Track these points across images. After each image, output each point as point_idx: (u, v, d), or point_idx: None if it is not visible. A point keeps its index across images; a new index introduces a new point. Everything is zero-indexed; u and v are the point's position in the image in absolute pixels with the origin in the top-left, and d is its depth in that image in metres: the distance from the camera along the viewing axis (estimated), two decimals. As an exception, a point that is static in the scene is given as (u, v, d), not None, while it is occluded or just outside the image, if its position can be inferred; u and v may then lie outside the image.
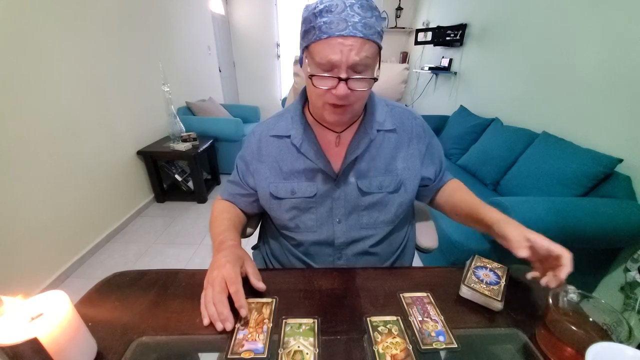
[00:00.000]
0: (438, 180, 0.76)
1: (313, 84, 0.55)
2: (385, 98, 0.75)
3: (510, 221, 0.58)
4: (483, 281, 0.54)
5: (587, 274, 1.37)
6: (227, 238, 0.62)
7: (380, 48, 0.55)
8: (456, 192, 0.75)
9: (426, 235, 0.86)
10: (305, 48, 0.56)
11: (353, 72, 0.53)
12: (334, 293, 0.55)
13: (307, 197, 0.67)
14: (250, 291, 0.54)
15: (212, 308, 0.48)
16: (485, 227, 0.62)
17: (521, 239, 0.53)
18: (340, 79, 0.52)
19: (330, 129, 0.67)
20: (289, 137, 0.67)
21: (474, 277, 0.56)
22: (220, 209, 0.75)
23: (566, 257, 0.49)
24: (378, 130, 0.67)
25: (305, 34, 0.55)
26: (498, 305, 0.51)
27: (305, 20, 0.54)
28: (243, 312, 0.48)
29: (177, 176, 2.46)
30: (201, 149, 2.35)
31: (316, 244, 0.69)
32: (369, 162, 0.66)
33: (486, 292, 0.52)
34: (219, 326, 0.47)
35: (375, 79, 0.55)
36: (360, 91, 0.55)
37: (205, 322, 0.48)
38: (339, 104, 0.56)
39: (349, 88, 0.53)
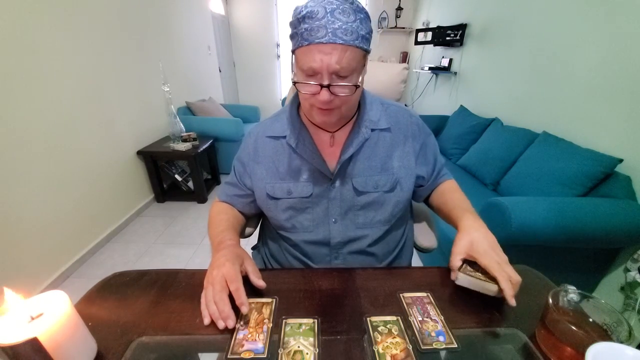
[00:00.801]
0: (432, 181, 0.76)
1: (298, 90, 0.56)
2: (381, 97, 0.75)
3: (468, 232, 0.58)
4: (479, 270, 0.55)
5: (587, 274, 1.37)
6: (225, 238, 0.62)
7: (366, 51, 0.55)
8: (447, 193, 0.75)
9: (426, 235, 0.86)
10: (292, 52, 0.57)
11: (336, 78, 0.53)
12: (333, 293, 0.55)
13: (303, 197, 0.67)
14: (251, 291, 0.54)
15: (213, 306, 0.48)
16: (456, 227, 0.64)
17: (459, 251, 0.56)
18: (322, 86, 0.53)
19: (324, 129, 0.67)
20: (284, 137, 0.67)
21: (469, 268, 0.56)
22: (217, 210, 0.75)
23: (501, 282, 0.49)
24: (373, 130, 0.67)
25: (291, 38, 0.56)
26: (493, 289, 0.51)
27: (291, 25, 0.55)
28: (244, 310, 0.48)
29: (177, 176, 2.46)
30: (201, 149, 2.35)
31: (312, 244, 0.69)
32: (364, 161, 0.67)
33: (482, 277, 0.52)
34: (221, 324, 0.47)
35: (357, 86, 0.55)
36: (345, 96, 0.55)
37: (206, 321, 0.48)
38: (324, 108, 0.56)
39: (332, 93, 0.54)
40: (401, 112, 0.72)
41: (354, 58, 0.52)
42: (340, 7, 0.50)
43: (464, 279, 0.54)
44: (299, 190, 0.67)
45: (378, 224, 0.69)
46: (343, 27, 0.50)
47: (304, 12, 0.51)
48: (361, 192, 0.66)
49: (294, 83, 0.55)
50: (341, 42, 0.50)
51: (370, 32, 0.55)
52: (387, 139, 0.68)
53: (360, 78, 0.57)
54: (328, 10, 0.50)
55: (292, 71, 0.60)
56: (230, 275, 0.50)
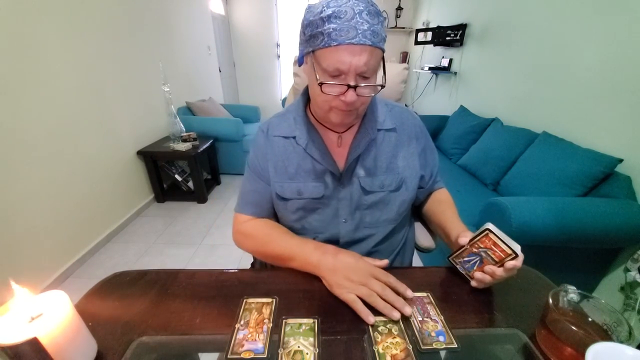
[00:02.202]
0: (431, 184, 0.77)
1: (322, 91, 0.55)
2: (385, 98, 0.76)
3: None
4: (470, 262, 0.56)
5: (587, 274, 1.37)
6: (317, 243, 0.62)
7: (383, 52, 0.56)
8: (443, 203, 0.75)
9: (425, 235, 0.87)
10: (310, 52, 0.55)
11: (361, 79, 0.54)
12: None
13: (314, 198, 0.67)
14: (252, 290, 0.55)
15: (382, 301, 0.50)
16: (448, 238, 0.65)
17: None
18: (349, 86, 0.53)
19: (331, 130, 0.67)
20: (294, 137, 0.67)
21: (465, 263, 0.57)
22: (258, 228, 0.69)
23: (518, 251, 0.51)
24: (379, 130, 0.67)
25: (311, 38, 0.54)
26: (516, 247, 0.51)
27: (311, 24, 0.53)
28: (410, 294, 0.51)
29: (177, 176, 2.46)
30: (201, 149, 2.35)
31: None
32: (371, 161, 0.67)
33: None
34: (396, 315, 0.48)
35: (383, 86, 0.56)
36: (368, 96, 0.56)
37: (372, 320, 0.48)
38: (346, 109, 0.56)
39: (357, 94, 0.54)
40: (405, 113, 0.73)
41: (377, 59, 0.53)
42: (367, 9, 0.50)
43: (493, 227, 0.54)
44: (310, 191, 0.67)
45: (384, 223, 0.69)
46: (371, 28, 0.50)
47: (329, 12, 0.50)
48: (368, 192, 0.67)
49: (320, 84, 0.54)
50: (370, 43, 0.51)
51: (386, 35, 0.56)
52: (392, 139, 0.69)
53: (382, 79, 0.57)
54: (356, 12, 0.50)
55: (300, 63, 0.59)
56: (377, 271, 0.54)
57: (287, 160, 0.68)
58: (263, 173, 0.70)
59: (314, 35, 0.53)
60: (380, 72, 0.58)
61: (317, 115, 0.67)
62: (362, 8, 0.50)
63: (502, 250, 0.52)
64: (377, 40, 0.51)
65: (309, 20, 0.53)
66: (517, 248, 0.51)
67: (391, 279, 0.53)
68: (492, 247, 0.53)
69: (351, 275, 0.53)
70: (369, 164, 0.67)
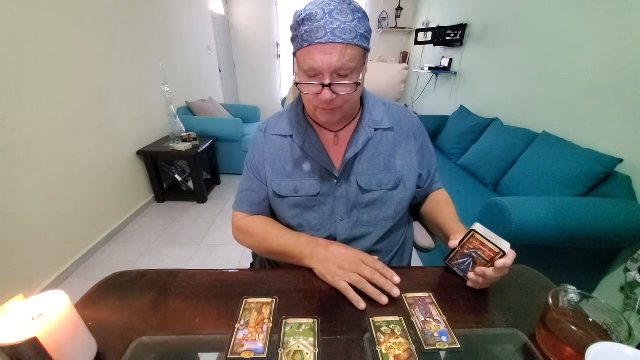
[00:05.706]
0: (429, 184, 0.77)
1: (300, 91, 0.57)
2: (383, 98, 0.76)
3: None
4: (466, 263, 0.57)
5: (587, 274, 1.37)
6: (310, 237, 0.65)
7: (366, 50, 0.56)
8: (442, 203, 0.75)
9: (425, 234, 0.87)
10: (294, 54, 0.58)
11: (337, 77, 0.54)
12: (334, 293, 0.55)
13: (310, 196, 0.67)
14: (252, 290, 0.55)
15: (371, 287, 0.52)
16: (447, 239, 0.65)
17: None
18: (324, 85, 0.54)
19: (328, 129, 0.68)
20: (291, 136, 0.68)
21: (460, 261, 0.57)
22: (258, 225, 0.71)
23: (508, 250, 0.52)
24: (376, 129, 0.68)
25: (292, 41, 0.57)
26: (505, 245, 0.51)
27: (292, 28, 0.56)
28: (397, 280, 0.54)
29: (177, 176, 2.46)
30: (201, 149, 2.35)
31: None
32: (369, 160, 0.67)
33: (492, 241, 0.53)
34: (384, 300, 0.51)
35: (358, 84, 0.56)
36: (346, 94, 0.56)
37: (362, 306, 0.51)
38: (327, 107, 0.57)
39: (334, 92, 0.55)
40: (403, 111, 0.73)
41: (354, 57, 0.53)
42: (338, 8, 0.51)
43: (480, 228, 0.54)
44: (306, 188, 0.67)
45: (382, 221, 0.69)
46: (342, 26, 0.51)
47: (304, 15, 0.52)
48: (366, 190, 0.67)
49: (297, 84, 0.57)
50: (340, 41, 0.51)
51: (369, 30, 0.55)
52: (390, 138, 0.69)
53: (361, 76, 0.57)
54: (326, 12, 0.51)
55: (294, 73, 0.61)
56: (366, 257, 0.55)
57: (285, 159, 0.69)
58: (259, 172, 0.71)
59: (293, 39, 0.56)
60: (365, 69, 0.58)
61: (308, 115, 0.68)
62: (332, 7, 0.51)
63: (490, 250, 0.52)
64: (350, 37, 0.52)
65: (291, 25, 0.56)
66: (506, 246, 0.51)
67: (379, 265, 0.56)
68: (481, 247, 0.54)
69: (343, 264, 0.56)
70: (367, 162, 0.67)
